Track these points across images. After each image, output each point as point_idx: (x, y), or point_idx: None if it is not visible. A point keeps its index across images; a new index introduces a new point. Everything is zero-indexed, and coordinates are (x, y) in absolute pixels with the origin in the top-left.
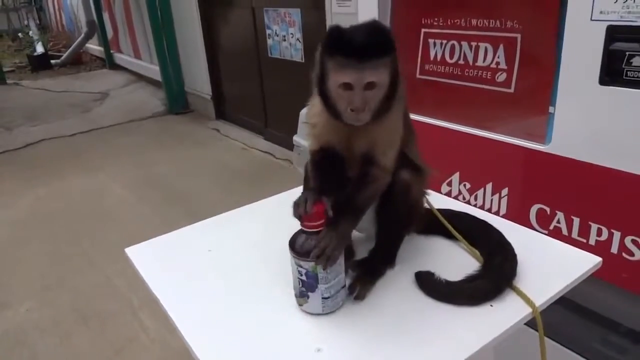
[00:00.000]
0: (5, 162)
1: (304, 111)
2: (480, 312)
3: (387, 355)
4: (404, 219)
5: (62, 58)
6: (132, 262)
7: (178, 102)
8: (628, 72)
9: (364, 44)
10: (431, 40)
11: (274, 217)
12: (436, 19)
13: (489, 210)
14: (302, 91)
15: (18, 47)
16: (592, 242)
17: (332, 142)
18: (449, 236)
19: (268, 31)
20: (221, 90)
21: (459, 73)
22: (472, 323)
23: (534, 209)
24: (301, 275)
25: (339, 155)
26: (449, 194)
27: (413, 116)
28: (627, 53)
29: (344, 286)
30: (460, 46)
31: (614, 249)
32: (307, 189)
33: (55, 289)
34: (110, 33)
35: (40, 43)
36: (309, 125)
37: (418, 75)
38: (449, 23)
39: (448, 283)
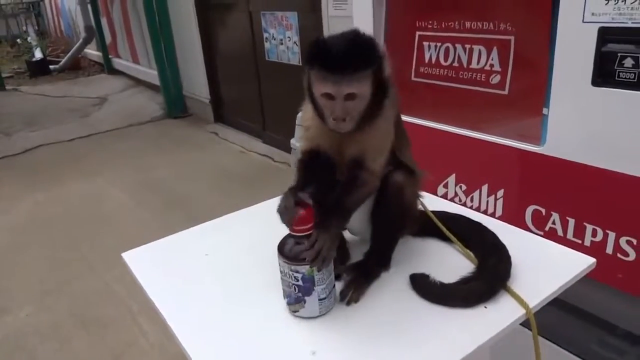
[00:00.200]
0: (4, 168)
1: (300, 114)
2: (474, 313)
3: (381, 357)
4: (399, 221)
5: (61, 63)
6: (129, 266)
7: (176, 106)
8: (620, 73)
9: (343, 58)
10: (426, 43)
11: (271, 220)
12: (430, 22)
13: (485, 212)
14: (300, 94)
15: (17, 52)
16: (587, 243)
17: (323, 145)
18: (444, 238)
19: (265, 35)
20: (219, 94)
21: (454, 75)
22: (466, 325)
23: (529, 210)
24: (297, 280)
25: (329, 157)
26: (445, 196)
27: (409, 118)
28: (618, 54)
29: (335, 285)
30: (455, 49)
31: (609, 250)
32: (287, 191)
33: (55, 294)
34: (108, 38)
35: (38, 49)
36: (302, 128)
37: (413, 78)
38: (443, 26)
39: (442, 285)
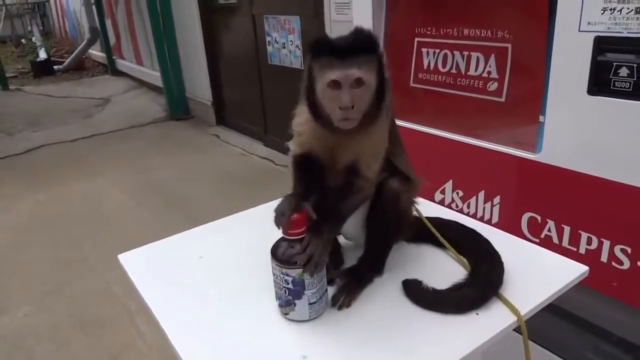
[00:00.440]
0: (6, 167)
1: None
2: (466, 320)
3: None
4: (393, 227)
5: (65, 64)
6: (125, 268)
7: (179, 108)
8: (615, 83)
9: (348, 43)
10: (424, 50)
11: (269, 223)
12: (429, 29)
13: (482, 219)
14: None
15: (21, 53)
16: (582, 250)
17: (315, 150)
18: (438, 244)
19: (268, 38)
20: (222, 97)
21: (452, 82)
22: (457, 331)
23: (525, 218)
24: (287, 283)
25: (319, 162)
26: (442, 202)
27: (407, 124)
28: (614, 64)
29: (327, 290)
30: (453, 55)
31: (604, 258)
32: (288, 195)
33: (54, 295)
34: (112, 39)
35: (43, 49)
36: (295, 133)
37: (412, 84)
38: (441, 32)
39: (435, 291)
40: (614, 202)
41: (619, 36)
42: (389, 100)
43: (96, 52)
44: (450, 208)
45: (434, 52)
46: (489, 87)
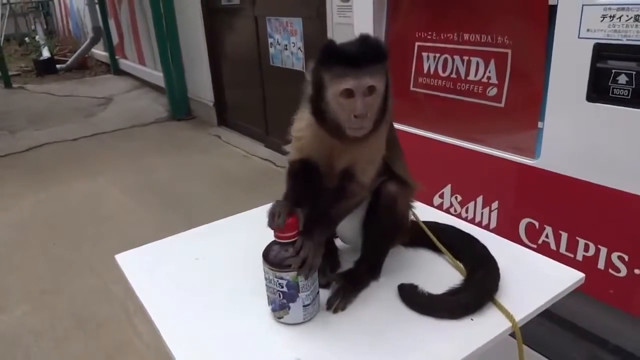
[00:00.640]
0: (7, 166)
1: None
2: (460, 325)
3: None
4: (390, 231)
5: (68, 63)
6: (121, 268)
7: (181, 108)
8: (614, 90)
9: (360, 52)
10: (425, 54)
11: (265, 226)
12: (430, 33)
13: (480, 224)
14: None
15: (25, 51)
16: (579, 257)
17: (314, 156)
18: (435, 249)
19: (270, 40)
20: (223, 98)
21: (452, 86)
22: (451, 336)
23: (523, 223)
24: (282, 287)
25: (316, 167)
26: (440, 206)
27: (407, 128)
28: (613, 71)
29: (319, 292)
30: (453, 60)
31: (601, 265)
32: (281, 199)
33: (53, 293)
34: (115, 39)
35: (46, 48)
36: (294, 138)
37: (412, 88)
38: (442, 37)
39: (430, 296)
40: (611, 209)
41: (618, 43)
42: (390, 107)
43: (99, 52)
44: (449, 213)
45: (434, 57)
46: (488, 93)
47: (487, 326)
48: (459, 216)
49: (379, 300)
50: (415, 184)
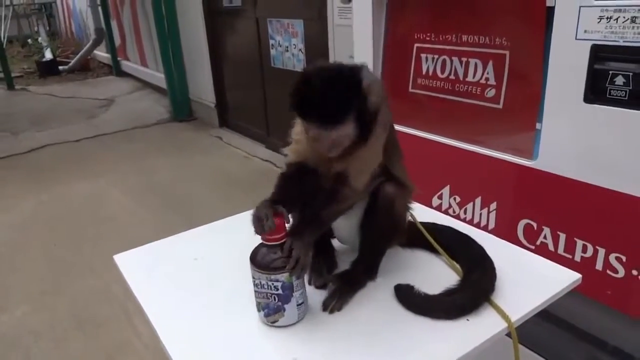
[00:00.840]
0: (9, 167)
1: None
2: (456, 326)
3: None
4: (387, 232)
5: (70, 64)
6: (120, 269)
7: (182, 109)
8: (611, 91)
9: (323, 110)
10: (423, 55)
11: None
12: (428, 34)
13: (478, 225)
14: None
15: (27, 53)
16: (577, 258)
17: (311, 160)
18: (432, 250)
19: (271, 41)
20: (225, 99)
21: (450, 88)
22: (447, 337)
23: (521, 224)
24: (277, 289)
25: (314, 170)
26: (439, 207)
27: (406, 129)
28: (610, 72)
29: (305, 288)
30: (451, 61)
31: (599, 266)
32: (264, 200)
33: (53, 294)
34: (117, 41)
35: (49, 49)
36: (293, 141)
37: (410, 89)
38: (440, 38)
39: (426, 296)
40: (609, 210)
41: (615, 45)
42: (383, 116)
43: (101, 53)
44: (447, 214)
45: (433, 58)
46: (486, 94)
47: (482, 326)
48: (457, 217)
49: (376, 301)
50: (412, 186)
